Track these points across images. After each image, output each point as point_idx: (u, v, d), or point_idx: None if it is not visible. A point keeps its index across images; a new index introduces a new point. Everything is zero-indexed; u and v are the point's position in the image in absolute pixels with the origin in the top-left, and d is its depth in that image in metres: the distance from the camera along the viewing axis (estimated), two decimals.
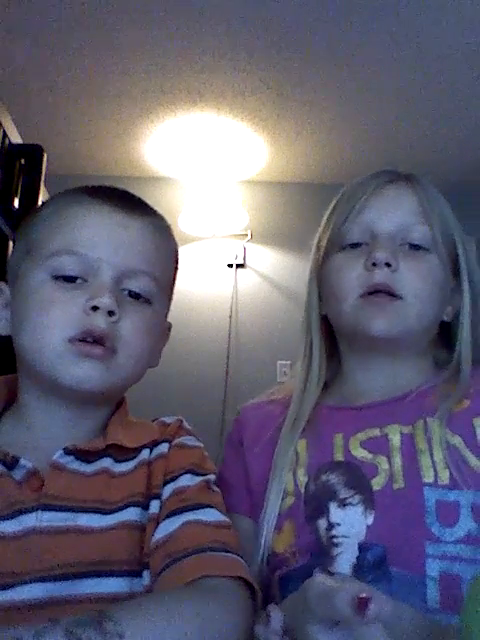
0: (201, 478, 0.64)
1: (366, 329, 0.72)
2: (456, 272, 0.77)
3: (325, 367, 0.80)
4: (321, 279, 0.81)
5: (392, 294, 0.72)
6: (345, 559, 0.64)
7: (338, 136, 2.49)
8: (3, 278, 0.69)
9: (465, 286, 0.77)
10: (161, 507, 0.61)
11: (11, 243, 1.14)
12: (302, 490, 0.69)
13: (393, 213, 0.75)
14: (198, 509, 0.61)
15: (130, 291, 0.65)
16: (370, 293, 0.72)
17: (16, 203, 1.40)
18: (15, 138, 1.51)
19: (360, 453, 0.69)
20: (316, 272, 0.82)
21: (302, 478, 0.70)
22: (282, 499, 0.70)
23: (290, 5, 1.84)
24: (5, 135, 1.46)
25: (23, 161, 1.50)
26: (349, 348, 0.80)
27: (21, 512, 0.57)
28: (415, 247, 0.74)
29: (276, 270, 2.70)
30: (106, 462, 0.63)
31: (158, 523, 0.60)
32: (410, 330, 0.73)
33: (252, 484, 0.74)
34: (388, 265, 0.72)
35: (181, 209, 2.59)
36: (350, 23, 1.91)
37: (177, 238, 0.74)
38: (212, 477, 0.66)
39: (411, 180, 0.78)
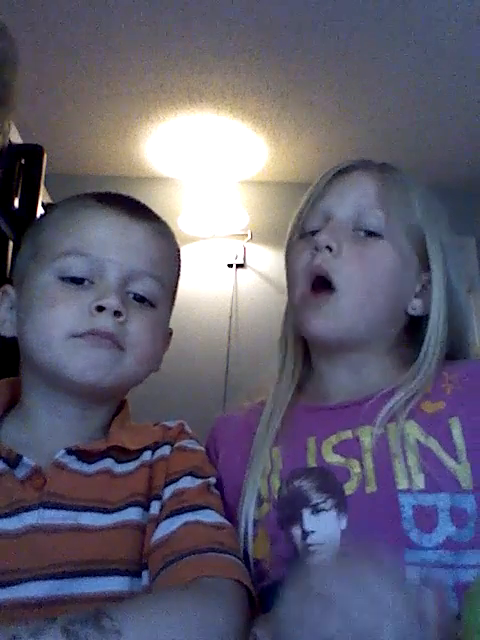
0: (201, 480, 0.65)
1: (305, 330, 0.72)
2: (427, 265, 0.74)
3: (298, 371, 0.78)
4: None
5: (328, 285, 0.70)
6: None
7: (338, 136, 2.49)
8: (2, 277, 0.69)
9: (435, 278, 0.73)
10: (161, 508, 0.61)
11: (11, 243, 1.14)
12: (275, 496, 0.68)
13: (348, 197, 0.73)
14: (197, 510, 0.61)
15: (135, 294, 0.65)
16: (312, 288, 0.71)
17: (16, 203, 1.40)
18: (15, 138, 1.50)
19: (333, 458, 0.67)
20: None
21: (276, 484, 0.69)
22: (258, 506, 0.68)
23: (290, 5, 1.83)
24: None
25: (23, 161, 1.50)
26: (312, 346, 0.78)
27: (22, 510, 0.57)
28: (368, 233, 0.72)
29: (276, 270, 2.69)
30: (107, 462, 0.64)
31: (158, 524, 0.60)
32: (351, 327, 0.71)
33: (226, 494, 0.71)
34: (329, 249, 0.70)
35: (181, 209, 2.59)
36: (350, 23, 1.90)
37: (177, 238, 0.74)
38: (212, 480, 0.67)
39: (374, 167, 0.76)
